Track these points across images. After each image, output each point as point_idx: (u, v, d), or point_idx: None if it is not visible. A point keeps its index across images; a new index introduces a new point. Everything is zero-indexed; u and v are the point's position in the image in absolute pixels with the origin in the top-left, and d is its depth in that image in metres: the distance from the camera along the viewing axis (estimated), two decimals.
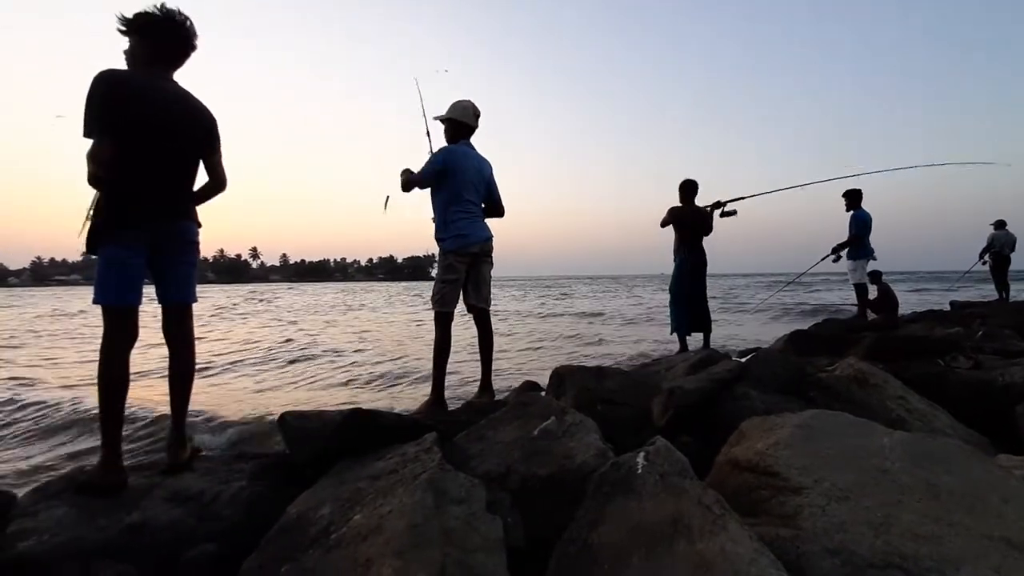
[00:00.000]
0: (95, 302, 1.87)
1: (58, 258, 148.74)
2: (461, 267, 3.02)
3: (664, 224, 5.35)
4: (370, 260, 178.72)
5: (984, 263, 9.86)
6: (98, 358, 1.86)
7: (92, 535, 1.58)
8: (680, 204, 5.28)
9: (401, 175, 3.15)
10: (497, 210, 3.31)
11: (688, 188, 5.24)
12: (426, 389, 3.27)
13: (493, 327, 3.28)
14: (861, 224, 6.70)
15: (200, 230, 2.12)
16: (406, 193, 3.13)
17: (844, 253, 6.82)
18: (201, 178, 2.16)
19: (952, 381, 2.82)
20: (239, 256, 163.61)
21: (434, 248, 3.23)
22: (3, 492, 1.79)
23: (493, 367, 3.28)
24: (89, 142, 1.82)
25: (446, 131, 3.18)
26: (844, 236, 6.80)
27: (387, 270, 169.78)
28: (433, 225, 3.15)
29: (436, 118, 3.22)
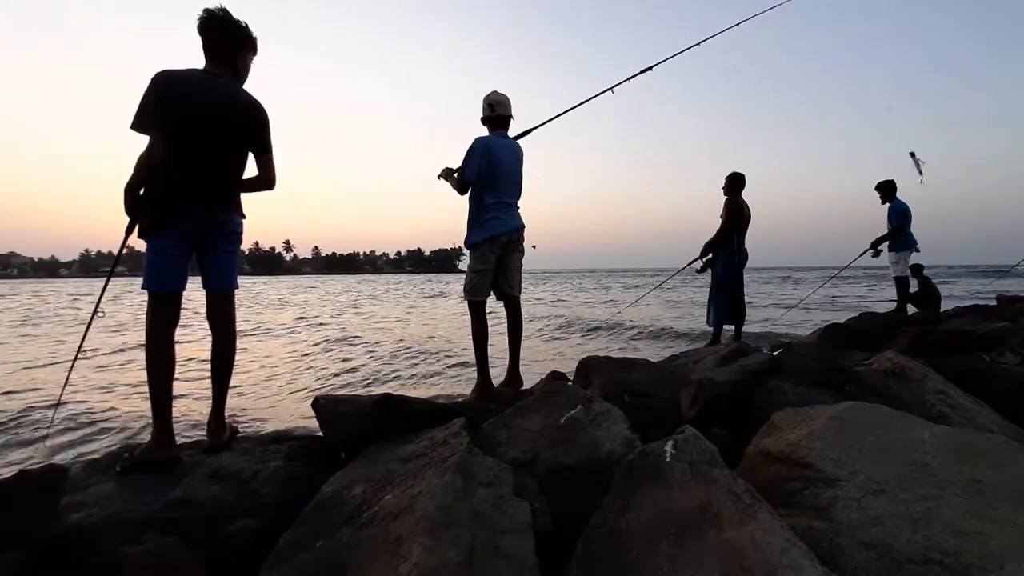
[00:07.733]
0: (143, 288, 1.97)
1: (104, 250, 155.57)
2: (492, 257, 3.04)
3: (733, 223, 5.26)
4: (398, 253, 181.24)
5: None
6: (144, 341, 1.97)
7: (139, 509, 1.66)
8: (735, 196, 5.31)
9: (447, 179, 3.13)
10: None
11: (742, 181, 5.33)
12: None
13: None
14: (900, 215, 6.40)
15: (244, 221, 2.20)
16: (463, 195, 3.08)
17: (885, 246, 6.56)
18: (250, 170, 2.22)
19: (998, 376, 2.70)
20: (273, 249, 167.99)
21: (460, 240, 3.21)
22: (57, 467, 1.88)
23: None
24: (140, 141, 1.91)
25: (486, 121, 3.16)
26: (881, 230, 6.54)
27: (415, 262, 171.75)
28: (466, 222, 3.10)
29: (492, 117, 3.13)
